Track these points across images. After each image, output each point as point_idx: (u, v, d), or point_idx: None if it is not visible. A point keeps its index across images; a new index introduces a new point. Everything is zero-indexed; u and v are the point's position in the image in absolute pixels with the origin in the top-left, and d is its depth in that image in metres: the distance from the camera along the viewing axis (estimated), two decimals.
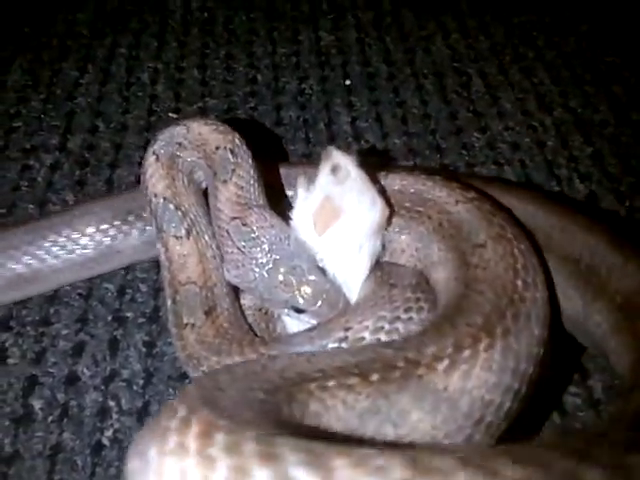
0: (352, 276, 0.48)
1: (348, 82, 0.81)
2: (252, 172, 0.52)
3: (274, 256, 0.48)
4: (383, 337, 0.44)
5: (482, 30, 0.89)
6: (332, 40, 0.87)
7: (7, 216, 0.65)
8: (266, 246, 0.48)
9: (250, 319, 0.52)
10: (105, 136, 0.74)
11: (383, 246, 0.48)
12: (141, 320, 0.55)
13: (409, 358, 0.38)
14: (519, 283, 0.43)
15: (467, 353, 0.38)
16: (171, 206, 0.52)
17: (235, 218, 0.49)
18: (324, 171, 0.46)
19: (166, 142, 0.53)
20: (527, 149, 0.72)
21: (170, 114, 0.77)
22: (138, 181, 0.67)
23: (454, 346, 0.38)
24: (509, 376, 0.39)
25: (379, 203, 0.46)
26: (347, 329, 0.44)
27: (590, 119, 0.75)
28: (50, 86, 0.80)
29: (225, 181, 0.51)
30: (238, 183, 0.51)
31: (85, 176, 0.69)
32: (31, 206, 0.65)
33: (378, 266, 0.49)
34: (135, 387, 0.50)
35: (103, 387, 0.50)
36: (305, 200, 0.47)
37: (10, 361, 0.52)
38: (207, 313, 0.51)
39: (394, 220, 0.49)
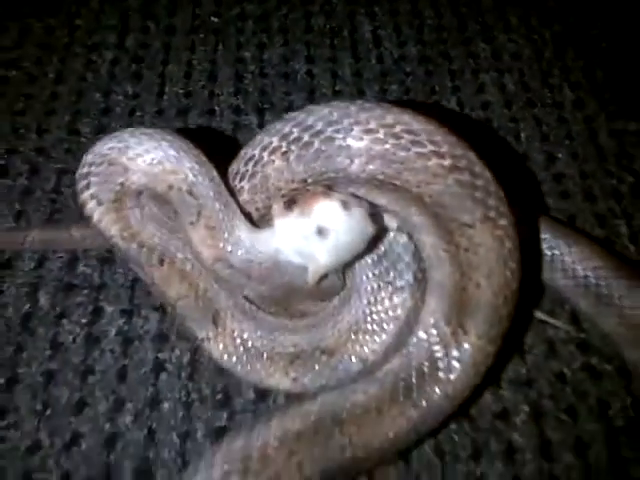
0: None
1: None
2: (221, 205, 0.46)
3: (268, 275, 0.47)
4: None
5: None
6: None
7: (77, 103, 0.75)
8: (257, 272, 0.46)
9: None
10: (156, 35, 0.83)
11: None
12: None
13: None
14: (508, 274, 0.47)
15: None
16: (133, 245, 0.49)
17: (217, 260, 0.46)
18: (307, 227, 0.44)
19: (103, 183, 0.47)
20: (526, 59, 0.81)
21: (212, 18, 0.86)
22: (187, 76, 0.79)
23: None
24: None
25: (369, 228, 0.46)
26: None
27: (584, 35, 0.84)
28: None
29: (192, 223, 0.46)
30: (208, 224, 0.46)
31: (141, 70, 0.79)
32: (97, 94, 0.76)
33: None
34: None
35: None
36: (286, 229, 0.45)
37: None
38: (214, 322, 0.52)
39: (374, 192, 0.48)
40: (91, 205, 0.47)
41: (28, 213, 0.67)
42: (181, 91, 0.78)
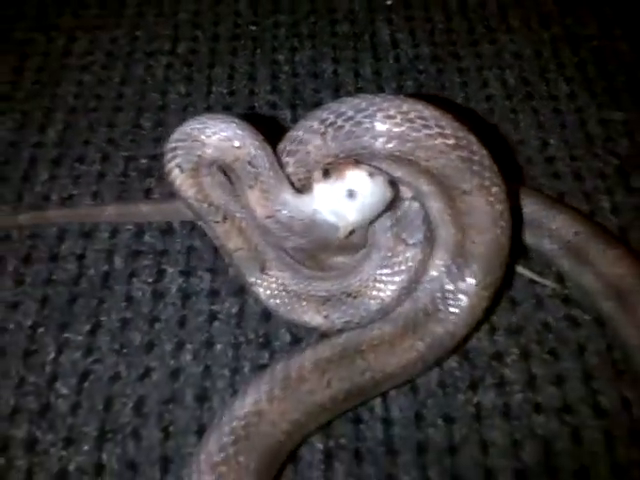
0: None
1: (389, 2, 0.97)
2: (273, 174, 0.53)
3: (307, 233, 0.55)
4: None
5: None
6: None
7: (139, 102, 0.84)
8: (298, 227, 0.54)
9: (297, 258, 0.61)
10: (204, 43, 0.92)
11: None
12: None
13: None
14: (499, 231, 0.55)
15: None
16: (204, 205, 0.57)
17: (268, 217, 0.54)
18: (341, 189, 0.51)
19: (186, 155, 0.54)
20: (526, 58, 0.89)
21: (251, 26, 0.94)
22: (230, 77, 0.88)
23: None
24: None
25: (389, 193, 0.52)
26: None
27: (579, 35, 0.92)
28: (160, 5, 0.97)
29: (251, 186, 0.54)
30: (263, 188, 0.53)
31: (192, 74, 0.87)
32: (155, 94, 0.85)
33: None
34: None
35: None
36: (323, 194, 0.52)
37: None
38: (262, 270, 0.60)
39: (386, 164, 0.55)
40: (175, 172, 0.55)
41: (102, 193, 0.75)
42: (225, 90, 0.85)
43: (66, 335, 0.66)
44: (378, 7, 0.97)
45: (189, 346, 0.65)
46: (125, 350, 0.65)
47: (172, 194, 0.72)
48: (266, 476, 0.54)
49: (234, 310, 0.67)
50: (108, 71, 0.88)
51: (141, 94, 0.85)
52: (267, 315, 0.67)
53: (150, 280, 0.69)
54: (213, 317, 0.67)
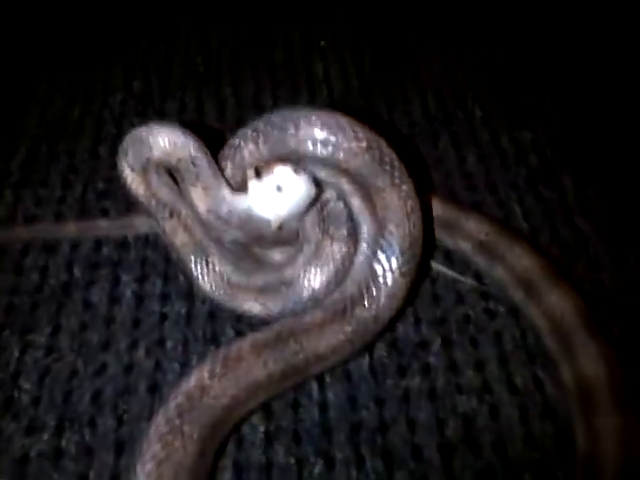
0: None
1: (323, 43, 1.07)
2: (212, 173, 0.60)
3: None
4: None
5: None
6: None
7: (97, 132, 0.93)
8: (235, 221, 0.61)
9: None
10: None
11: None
12: None
13: None
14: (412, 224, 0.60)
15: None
16: (153, 202, 0.64)
17: (209, 212, 0.61)
18: (270, 184, 0.58)
19: (136, 156, 0.62)
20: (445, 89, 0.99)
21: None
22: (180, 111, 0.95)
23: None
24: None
25: (313, 190, 0.59)
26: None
27: (491, 62, 1.01)
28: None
29: (193, 184, 0.61)
30: (204, 186, 0.60)
31: (146, 108, 0.96)
32: (110, 126, 0.94)
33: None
34: None
35: None
36: (256, 190, 0.59)
37: None
38: (207, 264, 0.65)
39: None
40: (127, 172, 0.63)
41: (63, 213, 0.82)
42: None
43: (29, 337, 0.70)
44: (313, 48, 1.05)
45: (142, 344, 0.69)
46: (83, 349, 0.69)
47: (127, 210, 0.81)
48: (209, 446, 0.59)
49: (183, 311, 0.72)
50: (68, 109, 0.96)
51: (98, 126, 0.93)
52: (213, 315, 0.72)
53: (107, 287, 0.74)
54: (164, 318, 0.72)
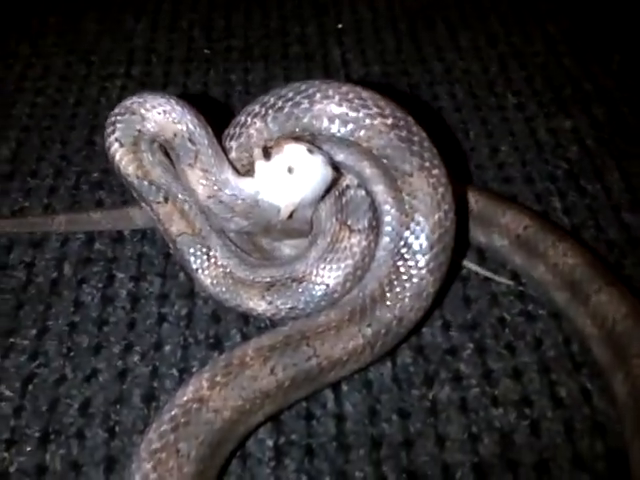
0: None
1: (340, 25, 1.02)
2: (213, 152, 0.54)
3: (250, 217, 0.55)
4: None
5: None
6: None
7: (93, 120, 0.87)
8: (240, 208, 0.54)
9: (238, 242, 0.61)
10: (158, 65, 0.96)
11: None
12: None
13: None
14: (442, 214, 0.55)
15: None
16: (145, 183, 0.57)
17: (210, 197, 0.54)
18: (280, 165, 0.51)
19: (125, 129, 0.54)
20: (474, 73, 0.93)
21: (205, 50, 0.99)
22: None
23: None
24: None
25: (329, 173, 0.52)
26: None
27: (526, 51, 0.96)
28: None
29: (191, 165, 0.54)
30: (203, 167, 0.53)
31: None
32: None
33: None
34: None
35: None
36: (264, 172, 0.53)
37: None
38: (207, 256, 0.59)
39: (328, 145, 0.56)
40: (115, 147, 0.55)
41: (53, 206, 0.77)
42: None
43: (11, 340, 0.65)
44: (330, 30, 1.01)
45: (137, 348, 0.65)
46: (72, 353, 0.64)
47: (123, 202, 0.75)
48: (209, 467, 0.52)
49: (184, 312, 0.67)
50: (63, 93, 0.92)
51: (94, 114, 0.88)
52: (217, 316, 0.66)
53: (100, 285, 0.70)
54: (162, 319, 0.67)
